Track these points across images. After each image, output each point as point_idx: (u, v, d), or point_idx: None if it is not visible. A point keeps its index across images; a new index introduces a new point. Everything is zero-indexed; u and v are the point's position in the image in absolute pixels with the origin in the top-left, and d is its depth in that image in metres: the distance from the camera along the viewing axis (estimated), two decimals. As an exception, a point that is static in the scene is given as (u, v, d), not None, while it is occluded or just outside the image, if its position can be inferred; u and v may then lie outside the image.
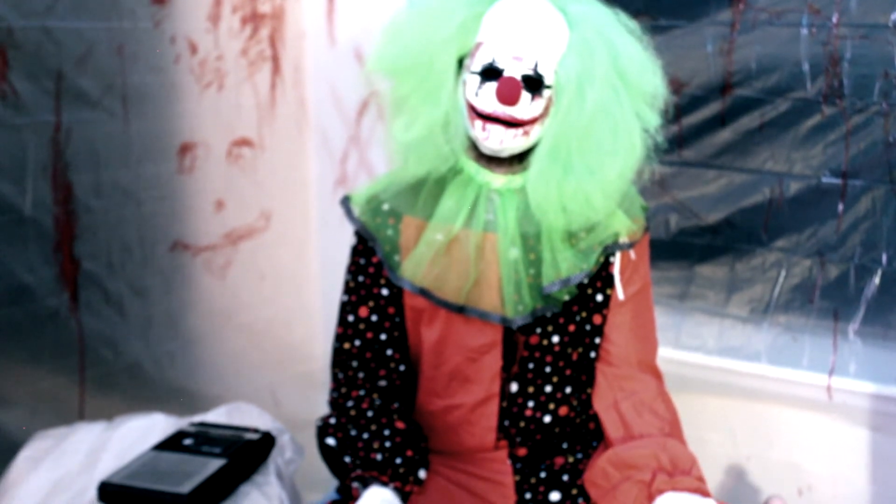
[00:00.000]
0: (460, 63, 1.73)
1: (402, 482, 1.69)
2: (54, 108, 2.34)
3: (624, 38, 1.70)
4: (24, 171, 2.31)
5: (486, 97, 1.67)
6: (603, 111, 1.66)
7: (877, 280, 2.28)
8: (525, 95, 1.66)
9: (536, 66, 1.66)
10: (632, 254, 1.82)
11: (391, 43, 1.75)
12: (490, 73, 1.67)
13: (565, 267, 1.74)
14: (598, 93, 1.65)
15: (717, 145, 2.45)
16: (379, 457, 1.69)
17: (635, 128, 1.68)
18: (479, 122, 1.69)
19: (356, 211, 1.83)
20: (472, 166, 1.77)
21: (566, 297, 1.77)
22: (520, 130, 1.69)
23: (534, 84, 1.66)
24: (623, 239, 1.80)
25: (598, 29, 1.68)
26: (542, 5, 1.69)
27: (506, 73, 1.66)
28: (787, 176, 2.37)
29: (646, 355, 1.86)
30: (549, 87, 1.68)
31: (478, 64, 1.69)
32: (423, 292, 1.77)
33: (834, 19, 2.24)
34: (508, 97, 1.64)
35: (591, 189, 1.68)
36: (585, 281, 1.78)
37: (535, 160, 1.70)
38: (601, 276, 1.81)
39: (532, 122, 1.69)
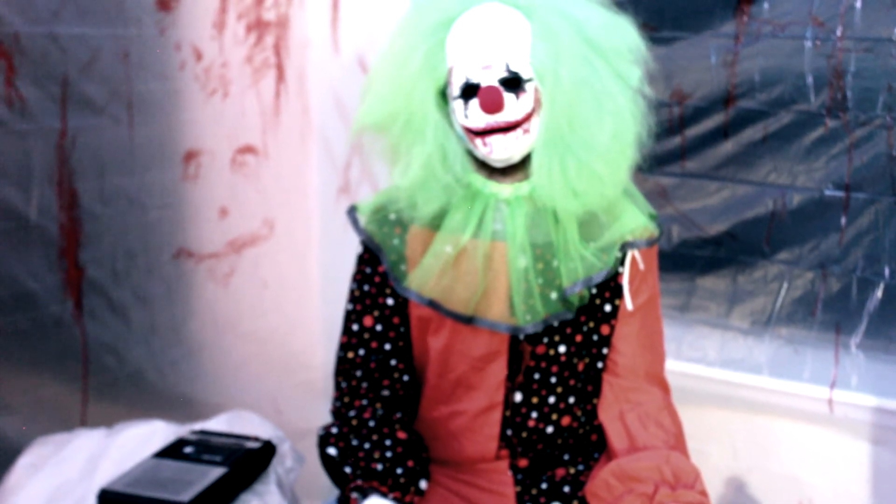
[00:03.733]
0: (445, 95, 1.73)
1: (403, 492, 1.68)
2: (60, 114, 2.34)
3: (583, 9, 1.70)
4: (29, 177, 2.31)
5: (475, 114, 1.68)
6: (581, 84, 1.65)
7: (879, 293, 2.29)
8: (508, 97, 1.67)
9: (508, 66, 1.66)
10: (640, 264, 1.81)
11: (367, 98, 1.76)
12: (469, 91, 1.68)
13: (584, 267, 1.74)
14: (570, 68, 1.65)
15: (720, 157, 2.45)
16: (379, 467, 1.69)
17: (618, 90, 1.67)
18: (478, 141, 1.70)
19: (362, 220, 1.84)
20: (478, 180, 1.77)
21: (579, 303, 1.77)
22: (518, 131, 1.69)
23: (513, 83, 1.67)
24: (639, 237, 1.79)
25: (555, 9, 1.68)
26: (495, 9, 1.69)
27: (483, 85, 1.67)
28: (790, 188, 2.37)
29: (653, 367, 1.86)
30: (530, 80, 1.68)
31: (456, 87, 1.69)
32: (432, 304, 1.77)
33: (838, 32, 2.25)
34: (492, 105, 1.65)
35: (593, 162, 1.67)
36: (602, 280, 1.77)
37: (535, 152, 1.70)
38: (610, 287, 1.81)
39: (527, 118, 1.69)
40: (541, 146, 1.69)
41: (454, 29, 1.69)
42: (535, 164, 1.70)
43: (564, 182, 1.68)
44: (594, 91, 1.65)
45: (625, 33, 1.70)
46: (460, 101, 1.69)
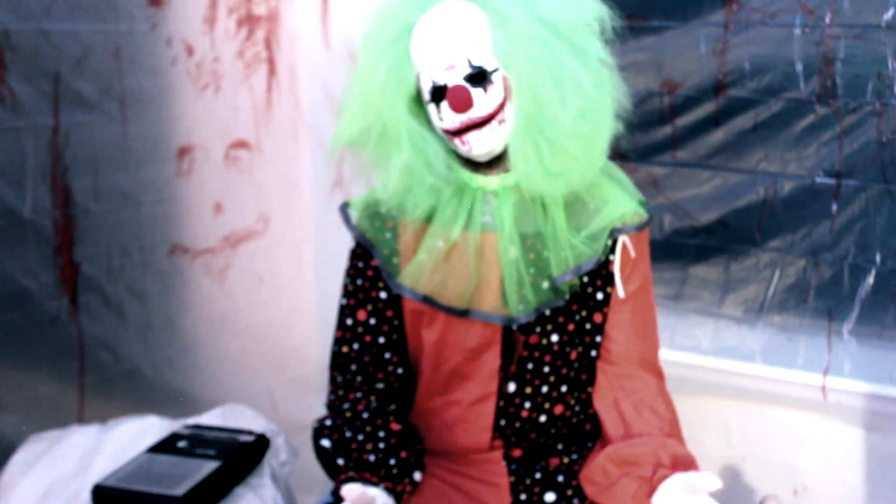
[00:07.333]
0: (421, 101, 1.73)
1: (395, 483, 1.69)
2: (52, 110, 2.35)
3: None
4: (23, 174, 2.31)
5: (448, 115, 1.68)
6: (540, 65, 1.64)
7: (871, 280, 2.28)
8: (476, 92, 1.66)
9: (470, 61, 1.66)
10: (631, 251, 1.81)
11: (342, 116, 1.76)
12: (438, 93, 1.68)
13: (574, 255, 1.74)
14: (527, 52, 1.64)
15: (711, 146, 2.45)
16: (372, 458, 1.69)
17: (578, 66, 1.66)
18: (457, 140, 1.70)
19: (354, 217, 1.84)
20: (465, 174, 1.78)
21: (569, 291, 1.77)
22: (493, 123, 1.68)
23: (478, 78, 1.67)
24: (629, 223, 1.79)
25: None
26: (450, 7, 1.68)
27: (449, 85, 1.67)
28: (781, 176, 2.37)
29: (647, 354, 1.86)
30: (496, 70, 1.67)
31: (425, 92, 1.70)
32: (426, 300, 1.78)
33: (827, 19, 2.24)
34: (461, 104, 1.65)
35: (564, 141, 1.66)
36: (592, 267, 1.77)
37: (510, 140, 1.70)
38: (601, 274, 1.81)
39: (500, 109, 1.68)
40: (515, 133, 1.69)
41: (414, 35, 1.69)
42: (511, 151, 1.70)
43: (541, 166, 1.67)
44: (553, 71, 1.65)
45: (581, 7, 1.69)
46: (432, 105, 1.70)
